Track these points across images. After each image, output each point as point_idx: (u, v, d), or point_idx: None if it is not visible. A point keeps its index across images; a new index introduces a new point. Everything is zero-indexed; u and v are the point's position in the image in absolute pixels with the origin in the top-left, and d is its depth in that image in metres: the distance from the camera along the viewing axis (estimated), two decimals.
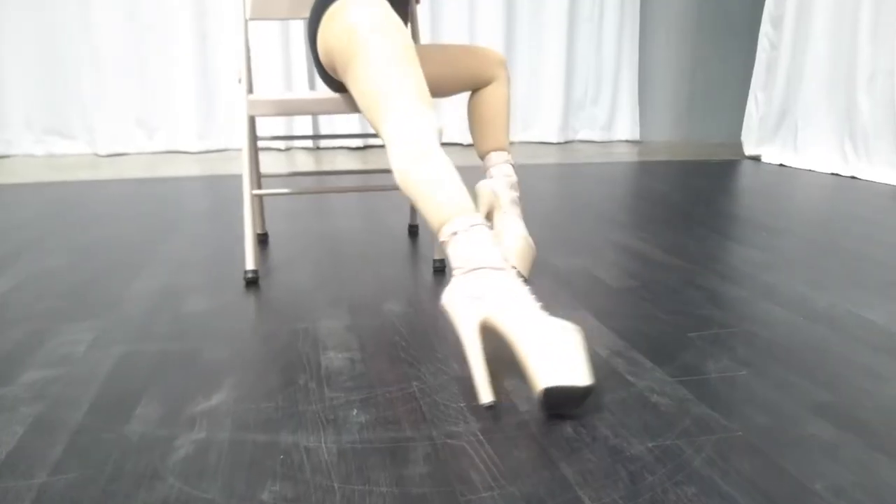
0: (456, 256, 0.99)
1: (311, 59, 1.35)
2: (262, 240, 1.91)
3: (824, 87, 3.14)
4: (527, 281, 1.48)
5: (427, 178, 1.03)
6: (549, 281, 1.51)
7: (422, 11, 3.89)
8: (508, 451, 0.83)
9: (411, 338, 1.18)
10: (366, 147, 4.11)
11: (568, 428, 0.88)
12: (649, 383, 1.01)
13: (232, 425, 0.88)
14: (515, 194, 1.52)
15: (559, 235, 1.92)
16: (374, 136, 2.04)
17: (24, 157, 3.66)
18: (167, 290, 1.44)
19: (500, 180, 1.51)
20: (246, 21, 1.68)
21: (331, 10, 1.27)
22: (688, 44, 4.37)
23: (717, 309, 1.34)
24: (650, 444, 0.84)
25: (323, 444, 0.84)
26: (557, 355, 0.88)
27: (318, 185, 2.79)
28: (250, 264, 1.53)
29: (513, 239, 1.45)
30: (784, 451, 0.83)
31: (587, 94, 4.31)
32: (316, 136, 1.67)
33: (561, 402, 0.89)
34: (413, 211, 1.99)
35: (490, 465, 0.80)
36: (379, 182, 2.80)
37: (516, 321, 0.92)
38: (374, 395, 0.97)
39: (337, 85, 1.51)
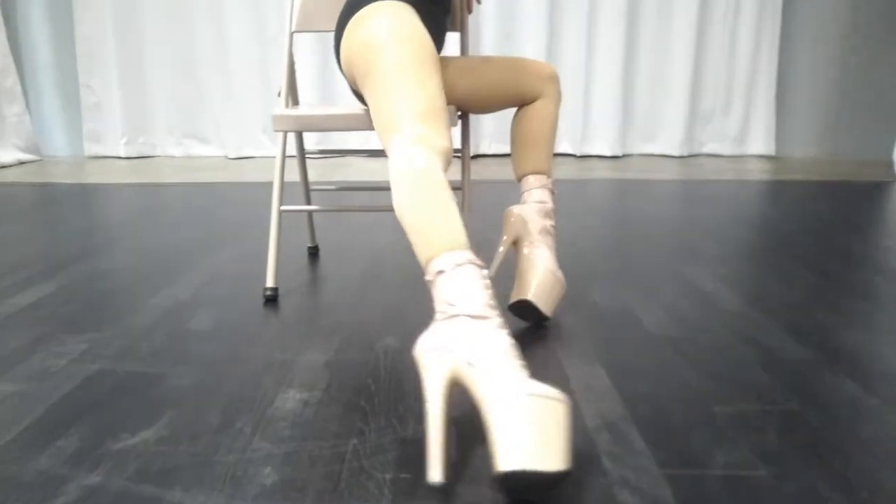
0: (438, 299, 0.87)
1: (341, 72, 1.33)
2: (313, 252, 1.88)
3: None
4: (546, 319, 1.31)
5: (419, 210, 0.93)
6: (575, 320, 1.33)
7: (510, 18, 3.73)
8: None
9: (385, 382, 1.07)
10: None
11: None
12: (626, 473, 0.82)
13: (133, 472, 0.82)
14: (549, 223, 1.35)
15: (621, 265, 1.71)
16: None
17: (165, 158, 3.99)
18: (186, 304, 1.44)
19: (531, 206, 1.35)
20: (291, 34, 1.65)
21: (354, 19, 1.22)
22: (838, 47, 3.83)
23: (767, 374, 1.09)
24: None
25: None
26: (526, 433, 0.73)
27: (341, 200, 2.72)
28: (270, 282, 1.49)
29: (536, 272, 1.29)
30: None
31: (716, 103, 3.92)
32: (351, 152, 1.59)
33: (524, 488, 0.74)
34: None
35: None
36: None
37: (486, 383, 0.77)
38: (301, 449, 0.87)
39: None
